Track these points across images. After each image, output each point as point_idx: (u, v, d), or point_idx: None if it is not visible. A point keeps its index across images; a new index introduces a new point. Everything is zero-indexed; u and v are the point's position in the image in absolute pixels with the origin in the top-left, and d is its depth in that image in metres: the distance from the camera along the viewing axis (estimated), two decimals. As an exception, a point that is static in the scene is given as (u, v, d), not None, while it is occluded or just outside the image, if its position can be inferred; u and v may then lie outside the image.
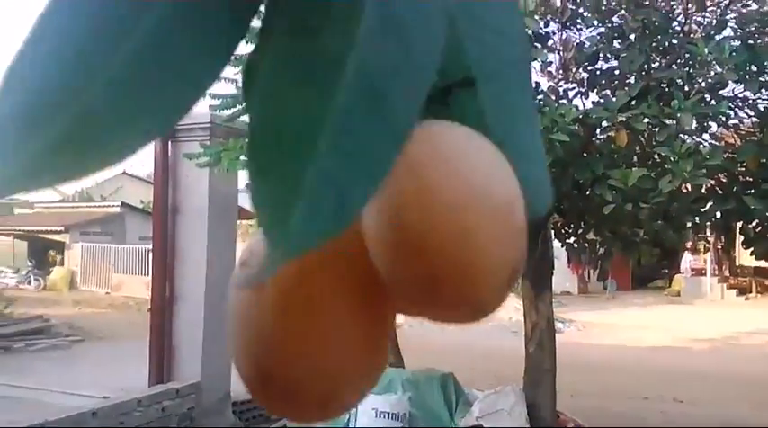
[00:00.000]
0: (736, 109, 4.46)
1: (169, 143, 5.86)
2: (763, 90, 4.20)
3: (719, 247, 18.06)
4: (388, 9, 0.29)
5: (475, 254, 0.32)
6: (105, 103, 0.27)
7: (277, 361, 0.35)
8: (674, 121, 3.70)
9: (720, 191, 4.22)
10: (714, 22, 4.42)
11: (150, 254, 7.72)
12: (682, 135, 3.94)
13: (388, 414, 4.28)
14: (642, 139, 4.29)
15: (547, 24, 4.39)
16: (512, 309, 14.15)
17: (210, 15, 0.30)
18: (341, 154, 0.27)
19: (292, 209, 0.26)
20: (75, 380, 7.08)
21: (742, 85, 4.16)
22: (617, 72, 4.46)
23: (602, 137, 4.31)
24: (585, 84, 4.55)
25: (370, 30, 0.28)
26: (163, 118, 0.28)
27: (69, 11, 0.29)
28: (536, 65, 4.41)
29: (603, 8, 4.43)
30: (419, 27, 0.30)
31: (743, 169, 4.20)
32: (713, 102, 4.04)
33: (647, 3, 4.36)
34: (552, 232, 4.98)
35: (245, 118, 4.04)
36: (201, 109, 5.05)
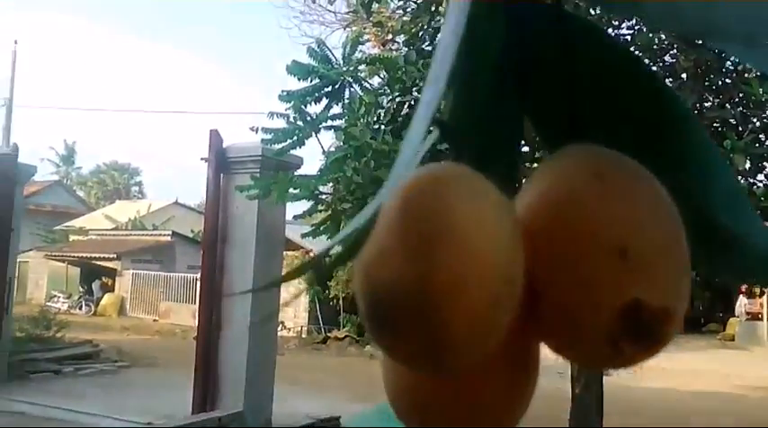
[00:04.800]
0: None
1: (221, 175, 6.00)
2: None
3: (776, 291, 17.36)
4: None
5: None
6: None
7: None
8: (727, 162, 3.63)
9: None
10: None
11: (198, 283, 7.85)
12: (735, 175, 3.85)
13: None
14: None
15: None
16: (558, 349, 13.83)
17: None
18: None
19: None
20: (120, 405, 7.19)
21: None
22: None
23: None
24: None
25: None
26: None
27: None
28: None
29: (655, 47, 4.40)
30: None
31: (800, 211, 4.07)
32: (768, 142, 3.95)
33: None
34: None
35: (294, 151, 4.10)
36: (253, 142, 5.18)
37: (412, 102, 4.04)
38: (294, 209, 5.15)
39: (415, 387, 0.40)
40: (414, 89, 3.97)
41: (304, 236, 4.86)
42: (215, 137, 6.13)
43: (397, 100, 4.12)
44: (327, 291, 16.78)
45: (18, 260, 9.78)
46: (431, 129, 0.40)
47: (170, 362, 11.42)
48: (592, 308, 0.36)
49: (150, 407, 6.97)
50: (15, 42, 25.63)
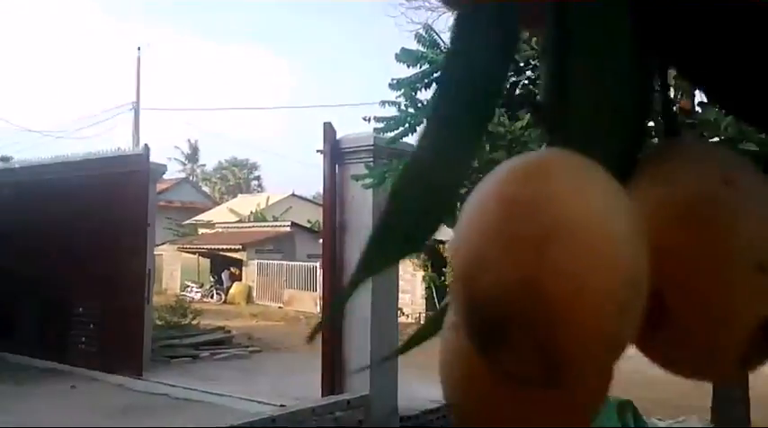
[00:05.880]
0: None
1: (336, 165, 6.15)
2: None
3: None
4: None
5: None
6: None
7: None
8: None
9: None
10: None
11: (318, 271, 8.09)
12: None
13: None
14: None
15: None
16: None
17: None
18: None
19: None
20: (254, 388, 7.56)
21: None
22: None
23: None
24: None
25: None
26: None
27: None
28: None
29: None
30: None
31: None
32: None
33: None
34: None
35: (407, 139, 4.13)
36: (366, 132, 5.26)
37: (525, 82, 3.95)
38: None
39: (480, 390, 0.36)
40: (527, 69, 3.88)
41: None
42: (329, 129, 6.28)
43: (511, 80, 4.05)
44: (443, 278, 16.82)
45: (154, 253, 10.48)
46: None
47: (298, 347, 11.86)
48: (728, 329, 0.34)
49: (282, 390, 7.29)
50: (138, 49, 27.17)
